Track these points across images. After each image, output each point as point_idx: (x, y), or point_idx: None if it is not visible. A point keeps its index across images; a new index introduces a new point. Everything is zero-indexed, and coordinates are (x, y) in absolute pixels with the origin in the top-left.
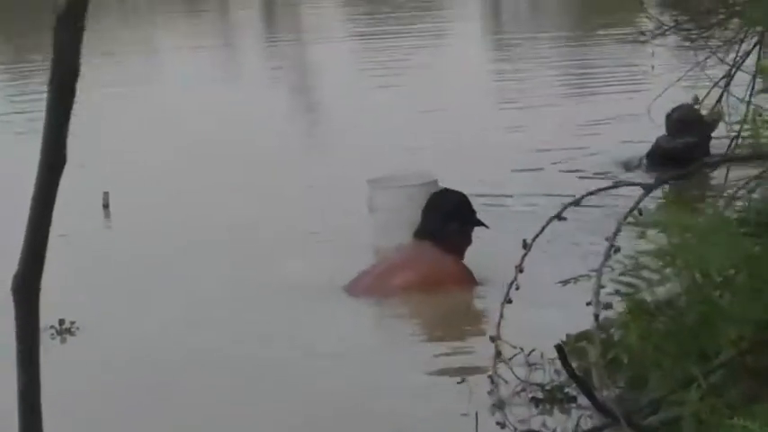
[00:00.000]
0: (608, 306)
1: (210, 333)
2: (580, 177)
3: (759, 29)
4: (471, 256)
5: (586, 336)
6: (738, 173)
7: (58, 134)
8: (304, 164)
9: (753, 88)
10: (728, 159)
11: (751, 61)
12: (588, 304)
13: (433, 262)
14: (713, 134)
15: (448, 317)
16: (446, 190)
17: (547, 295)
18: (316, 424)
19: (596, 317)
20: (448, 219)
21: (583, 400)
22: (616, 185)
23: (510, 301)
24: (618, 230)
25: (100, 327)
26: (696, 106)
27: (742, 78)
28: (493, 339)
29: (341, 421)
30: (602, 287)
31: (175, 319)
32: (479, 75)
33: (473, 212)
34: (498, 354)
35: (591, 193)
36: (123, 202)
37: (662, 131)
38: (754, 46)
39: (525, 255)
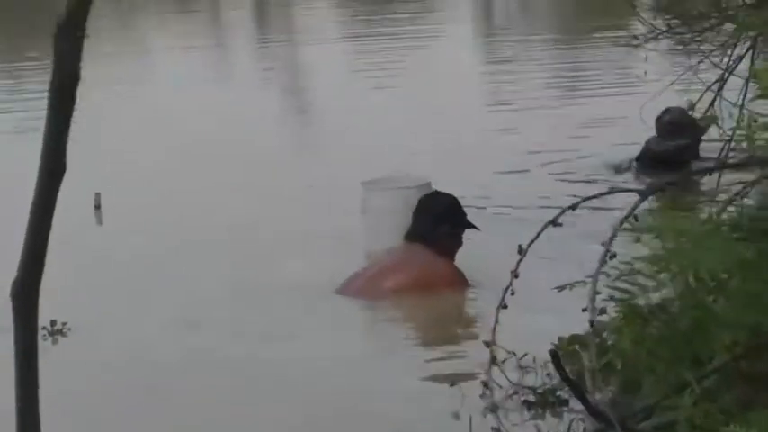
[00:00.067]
0: (603, 311)
1: (210, 333)
2: (571, 180)
3: (752, 33)
4: (462, 259)
5: (579, 339)
6: (730, 177)
7: (58, 141)
8: (298, 165)
9: (746, 92)
10: (726, 166)
11: (744, 65)
12: (584, 310)
13: (425, 264)
14: (703, 137)
15: (441, 320)
16: (437, 192)
17: (541, 300)
18: (315, 424)
19: (591, 323)
20: (439, 221)
21: (575, 403)
22: (612, 191)
23: (505, 306)
24: (613, 236)
25: (93, 328)
26: (690, 112)
27: (735, 83)
28: (488, 344)
29: (341, 421)
30: (598, 293)
31: (174, 319)
32: (472, 77)
33: (464, 215)
34: (493, 359)
35: (587, 199)
36: (116, 202)
37: (653, 134)
38: (747, 50)
39: (521, 260)
